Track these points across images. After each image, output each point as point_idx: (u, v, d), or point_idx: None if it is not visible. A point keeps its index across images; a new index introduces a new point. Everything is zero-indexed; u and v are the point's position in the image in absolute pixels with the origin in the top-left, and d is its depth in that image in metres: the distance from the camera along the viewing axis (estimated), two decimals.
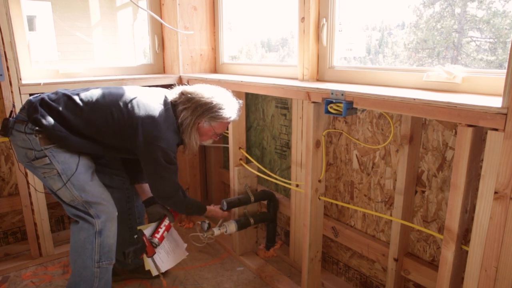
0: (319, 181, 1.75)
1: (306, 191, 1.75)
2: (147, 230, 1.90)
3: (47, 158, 1.61)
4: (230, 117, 1.76)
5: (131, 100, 1.67)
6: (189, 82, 2.47)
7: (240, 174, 2.22)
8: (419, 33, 1.79)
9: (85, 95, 1.68)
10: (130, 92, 1.72)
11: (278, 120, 2.27)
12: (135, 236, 1.88)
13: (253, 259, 2.26)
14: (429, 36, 1.76)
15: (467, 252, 1.19)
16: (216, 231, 2.07)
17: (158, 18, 2.43)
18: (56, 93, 1.69)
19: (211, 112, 1.70)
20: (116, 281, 2.04)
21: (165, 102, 1.72)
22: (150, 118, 1.63)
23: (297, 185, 2.09)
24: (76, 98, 1.65)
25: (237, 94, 2.13)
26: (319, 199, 1.77)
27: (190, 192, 2.74)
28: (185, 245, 2.09)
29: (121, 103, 1.65)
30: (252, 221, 2.19)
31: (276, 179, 2.26)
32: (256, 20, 2.86)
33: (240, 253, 2.31)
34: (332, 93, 1.49)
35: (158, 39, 2.66)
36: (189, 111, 1.69)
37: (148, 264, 1.89)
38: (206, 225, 2.03)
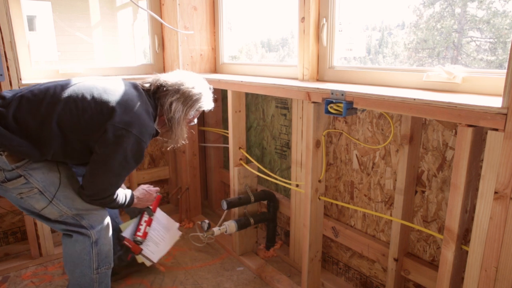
0: (319, 181, 1.75)
1: (306, 191, 1.75)
2: (128, 230, 1.93)
3: (22, 177, 1.43)
4: (210, 107, 1.74)
5: (97, 87, 1.49)
6: None
7: (240, 174, 2.22)
8: (419, 33, 1.79)
9: (40, 88, 1.47)
10: (92, 80, 1.56)
11: (278, 120, 2.27)
12: (118, 238, 1.88)
13: (253, 259, 2.26)
14: (429, 36, 1.76)
15: (467, 252, 1.19)
16: (216, 231, 2.07)
17: (158, 18, 2.43)
18: (2, 97, 1.44)
19: (199, 102, 1.68)
20: (116, 280, 2.04)
21: (136, 87, 1.60)
22: (124, 103, 1.47)
23: (297, 185, 2.09)
24: (29, 94, 1.44)
25: (237, 94, 2.13)
26: (319, 199, 1.77)
27: (190, 192, 2.74)
28: (177, 224, 2.10)
29: (85, 92, 1.46)
30: (252, 221, 2.19)
31: (276, 179, 2.26)
32: (256, 20, 2.86)
33: (240, 253, 2.31)
34: (332, 93, 1.49)
35: (158, 39, 2.66)
36: (179, 103, 1.62)
37: (140, 258, 1.93)
38: (206, 225, 2.04)
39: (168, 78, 1.67)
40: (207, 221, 2.05)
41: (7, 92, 1.47)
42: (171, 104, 1.61)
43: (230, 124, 2.19)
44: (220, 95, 2.77)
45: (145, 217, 1.95)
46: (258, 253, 2.33)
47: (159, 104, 1.63)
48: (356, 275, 1.96)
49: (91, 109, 1.44)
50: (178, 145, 1.71)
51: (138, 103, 1.52)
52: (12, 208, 2.29)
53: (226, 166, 2.88)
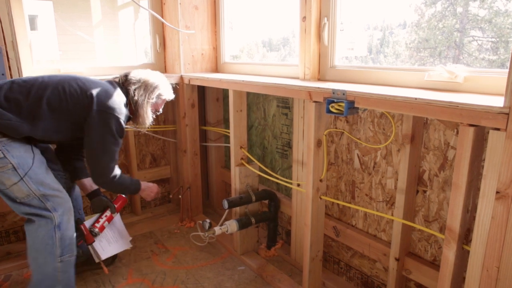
0: (321, 180, 1.75)
1: (307, 191, 1.75)
2: (89, 220, 2.00)
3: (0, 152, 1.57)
4: (170, 96, 2.04)
5: (79, 78, 1.79)
6: (190, 81, 2.47)
7: (242, 173, 2.22)
8: (420, 32, 1.79)
9: (28, 77, 1.71)
10: (74, 75, 1.83)
11: (279, 120, 2.27)
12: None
13: (254, 258, 2.27)
14: (430, 35, 1.76)
15: (468, 252, 1.19)
16: (217, 230, 2.07)
17: (160, 18, 2.43)
18: None
19: (159, 89, 1.96)
20: None
21: (110, 82, 1.89)
22: (103, 91, 1.77)
23: (298, 185, 2.09)
24: (19, 81, 1.67)
25: (238, 94, 2.13)
26: (320, 198, 1.77)
27: (191, 191, 2.75)
28: (130, 238, 2.18)
29: (70, 81, 1.74)
30: (253, 220, 2.19)
31: (277, 178, 2.26)
32: (257, 20, 2.86)
33: (241, 253, 2.31)
34: (333, 93, 1.49)
35: (160, 39, 2.66)
36: (141, 89, 1.92)
37: (91, 251, 2.00)
38: (207, 224, 2.04)
39: (131, 73, 1.98)
40: (208, 220, 2.05)
41: None
42: (135, 90, 1.91)
43: (231, 123, 2.19)
44: (222, 95, 2.77)
45: (107, 213, 2.04)
46: (259, 253, 2.34)
47: (127, 93, 1.92)
48: (357, 274, 1.96)
49: (77, 93, 1.71)
50: (146, 126, 1.96)
51: (115, 92, 1.82)
52: None
53: (227, 165, 2.88)
